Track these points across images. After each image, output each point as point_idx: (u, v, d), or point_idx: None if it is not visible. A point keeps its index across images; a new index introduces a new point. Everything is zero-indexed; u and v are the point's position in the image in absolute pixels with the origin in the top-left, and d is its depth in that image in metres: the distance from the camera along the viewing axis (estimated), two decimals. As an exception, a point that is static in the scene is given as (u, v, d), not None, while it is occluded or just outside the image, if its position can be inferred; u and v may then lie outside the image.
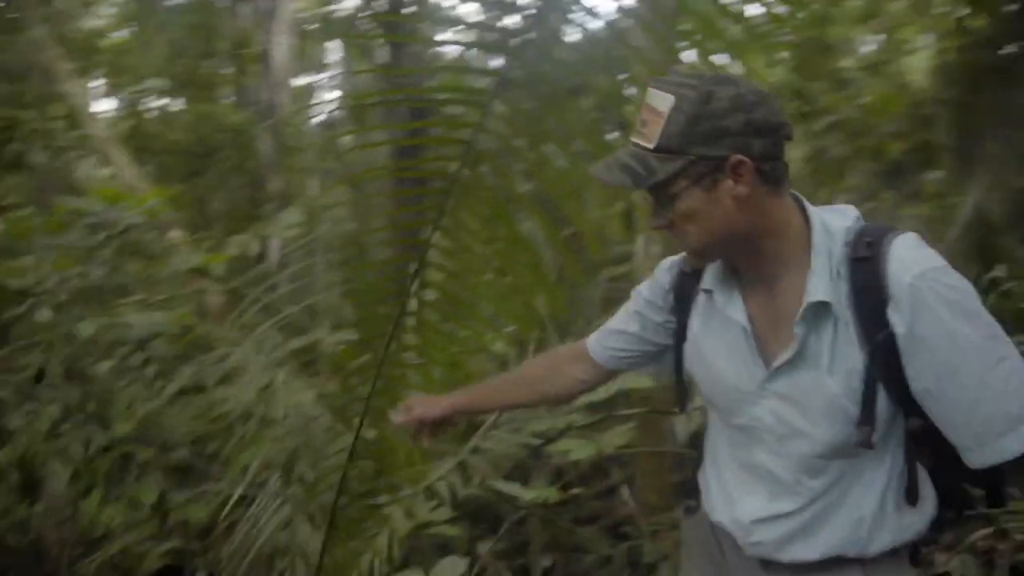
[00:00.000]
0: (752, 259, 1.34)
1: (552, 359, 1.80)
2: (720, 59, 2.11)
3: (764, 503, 1.40)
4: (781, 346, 1.33)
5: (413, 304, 2.25)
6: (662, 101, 1.22)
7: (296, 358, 4.18)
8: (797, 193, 1.35)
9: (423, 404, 1.75)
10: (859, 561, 1.37)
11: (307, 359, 4.33)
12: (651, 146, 1.23)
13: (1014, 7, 7.00)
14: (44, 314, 2.03)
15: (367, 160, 12.19)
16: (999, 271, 4.55)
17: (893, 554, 1.37)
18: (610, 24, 1.99)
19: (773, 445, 1.38)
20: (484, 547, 3.26)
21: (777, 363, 1.33)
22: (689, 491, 1.63)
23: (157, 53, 12.13)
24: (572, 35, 2.16)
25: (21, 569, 3.16)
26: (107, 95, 11.86)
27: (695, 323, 1.48)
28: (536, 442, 2.79)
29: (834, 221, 1.33)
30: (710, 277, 1.43)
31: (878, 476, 1.35)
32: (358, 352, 2.88)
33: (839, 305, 1.27)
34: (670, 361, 1.58)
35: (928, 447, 1.35)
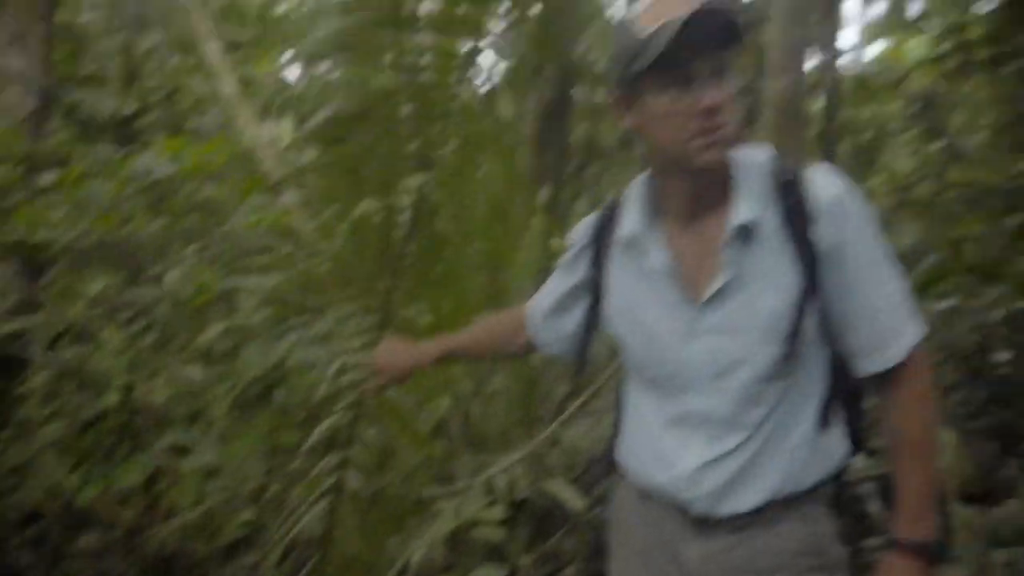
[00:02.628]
0: (704, 182, 1.39)
1: (505, 325, 1.84)
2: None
3: (704, 448, 1.42)
4: (710, 280, 1.38)
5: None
6: None
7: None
8: None
9: (391, 366, 1.85)
10: (794, 509, 1.40)
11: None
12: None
13: None
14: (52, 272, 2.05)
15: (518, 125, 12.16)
16: None
17: (823, 499, 1.45)
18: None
19: (707, 386, 1.41)
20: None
21: (708, 295, 1.38)
22: (608, 467, 1.66)
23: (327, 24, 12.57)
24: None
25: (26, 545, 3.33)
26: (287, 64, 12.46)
27: (614, 277, 1.52)
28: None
29: (755, 152, 1.43)
30: (629, 223, 1.46)
31: (807, 403, 1.42)
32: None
33: (767, 227, 1.36)
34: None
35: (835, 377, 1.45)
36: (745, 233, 1.35)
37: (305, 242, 3.88)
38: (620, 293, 1.51)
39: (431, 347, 1.87)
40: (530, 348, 1.81)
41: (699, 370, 1.40)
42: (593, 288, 1.57)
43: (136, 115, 7.37)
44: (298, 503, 2.48)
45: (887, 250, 1.38)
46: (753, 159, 1.41)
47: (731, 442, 1.40)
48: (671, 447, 1.45)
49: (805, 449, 1.40)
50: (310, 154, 10.55)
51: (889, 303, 1.36)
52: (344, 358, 2.96)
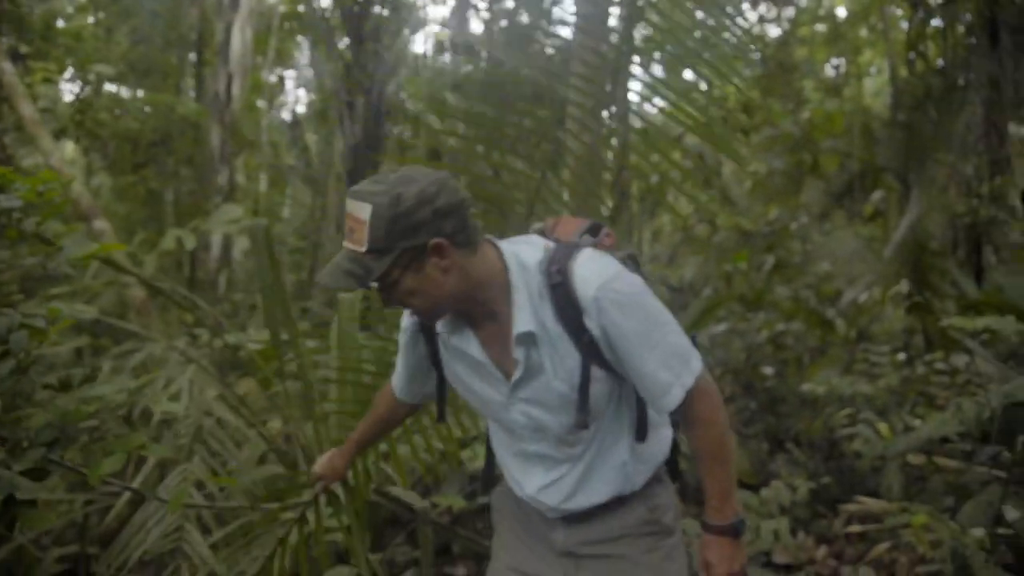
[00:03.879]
0: (471, 307, 1.62)
1: (383, 403, 2.07)
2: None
3: (542, 475, 1.74)
4: (512, 364, 1.63)
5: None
6: (361, 210, 1.46)
7: (216, 358, 4.09)
8: (494, 239, 1.63)
9: (329, 470, 2.12)
10: (633, 497, 1.74)
11: (227, 359, 4.23)
12: (363, 249, 1.46)
13: (971, 40, 7.18)
14: None
15: (325, 158, 12.13)
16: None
17: (658, 479, 1.77)
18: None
19: (531, 436, 1.71)
20: (400, 555, 3.21)
21: (513, 380, 1.64)
22: (488, 476, 1.98)
23: (118, 40, 11.92)
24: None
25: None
26: (69, 80, 11.59)
27: (444, 357, 1.77)
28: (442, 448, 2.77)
29: (528, 255, 1.61)
30: (442, 323, 1.70)
31: (623, 428, 1.71)
32: (275, 353, 2.84)
33: (545, 327, 1.58)
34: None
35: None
36: (528, 338, 1.58)
37: (119, 269, 3.76)
38: (452, 370, 1.77)
39: (348, 449, 2.12)
40: (412, 409, 2.06)
41: (522, 427, 1.71)
42: (434, 361, 1.82)
43: None
44: (134, 530, 2.45)
45: (650, 318, 1.57)
46: (526, 264, 1.60)
47: (560, 471, 1.73)
48: (520, 472, 1.79)
49: (630, 461, 1.72)
50: (105, 179, 9.85)
51: (656, 368, 1.56)
52: (174, 385, 2.95)
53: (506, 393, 1.67)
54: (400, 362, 1.92)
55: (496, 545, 1.96)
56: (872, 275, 6.75)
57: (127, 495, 2.54)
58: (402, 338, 1.87)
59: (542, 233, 1.78)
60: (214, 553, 2.29)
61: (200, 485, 2.55)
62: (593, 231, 1.75)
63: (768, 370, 6.38)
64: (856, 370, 5.86)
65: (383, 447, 2.89)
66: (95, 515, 3.09)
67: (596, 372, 1.60)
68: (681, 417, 1.66)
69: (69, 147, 10.13)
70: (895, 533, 3.07)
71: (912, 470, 3.76)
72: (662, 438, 1.80)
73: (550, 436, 1.69)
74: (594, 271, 1.56)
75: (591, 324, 1.55)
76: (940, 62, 7.80)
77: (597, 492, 1.73)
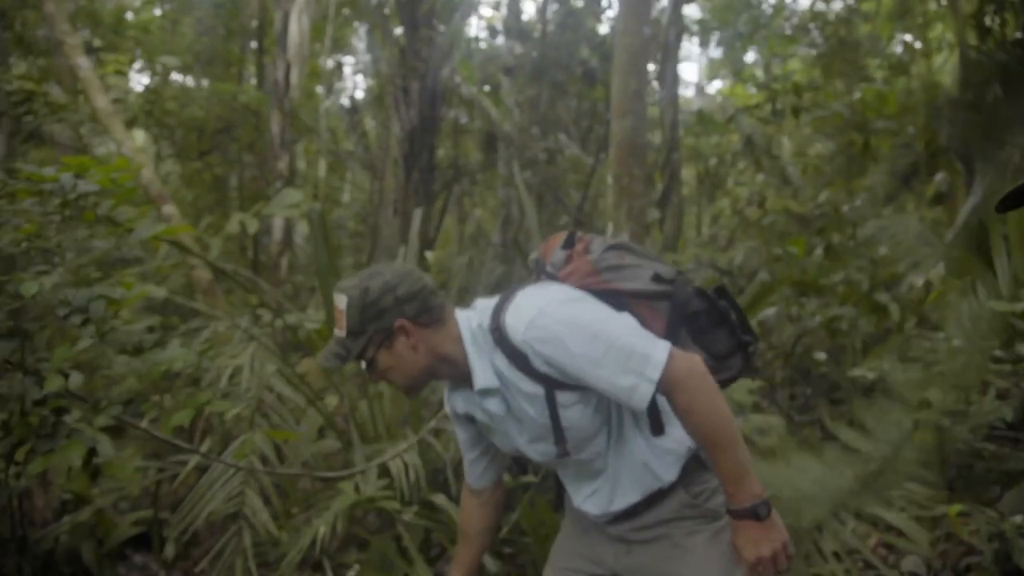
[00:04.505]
0: (448, 375, 1.82)
1: (467, 515, 2.12)
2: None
3: (584, 489, 1.90)
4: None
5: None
6: (340, 301, 1.73)
7: (277, 338, 4.26)
8: (457, 311, 1.82)
9: None
10: (674, 484, 1.81)
11: (289, 340, 4.41)
12: (343, 333, 1.73)
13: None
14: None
15: (383, 143, 12.33)
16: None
17: (699, 465, 1.82)
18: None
19: (552, 464, 1.89)
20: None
21: (505, 428, 1.83)
22: (559, 497, 2.11)
23: (183, 32, 12.35)
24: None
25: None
26: (138, 71, 12.06)
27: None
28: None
29: (478, 319, 1.78)
30: (449, 398, 1.93)
31: (634, 430, 1.80)
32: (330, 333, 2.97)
33: (504, 375, 1.73)
34: None
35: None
36: (489, 391, 1.76)
37: (186, 251, 3.96)
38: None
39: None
40: (495, 504, 2.11)
41: (543, 462, 1.89)
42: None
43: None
44: (200, 495, 2.62)
45: (587, 337, 1.63)
46: (477, 327, 1.77)
47: (595, 484, 1.88)
48: (568, 487, 1.97)
49: (652, 458, 1.81)
50: (174, 166, 10.23)
51: (613, 376, 1.62)
52: (237, 360, 3.12)
53: (517, 441, 1.85)
54: (464, 449, 2.04)
55: (564, 520, 2.10)
56: (934, 260, 6.57)
57: (194, 461, 2.71)
58: (454, 426, 2.02)
59: (536, 262, 1.95)
60: (273, 519, 2.44)
61: (263, 460, 2.71)
62: (568, 243, 1.89)
63: (822, 355, 6.30)
64: (912, 357, 5.75)
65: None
66: (166, 482, 3.31)
67: (565, 398, 1.72)
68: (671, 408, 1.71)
69: (140, 136, 10.55)
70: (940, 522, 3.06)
71: (961, 457, 3.71)
72: (680, 429, 1.82)
73: (568, 462, 1.83)
74: (519, 316, 1.69)
75: (536, 364, 1.68)
76: (1018, 34, 7.50)
77: (630, 494, 1.83)
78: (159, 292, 3.33)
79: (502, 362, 1.73)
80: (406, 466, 2.60)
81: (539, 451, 1.85)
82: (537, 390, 1.71)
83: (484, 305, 1.81)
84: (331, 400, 3.40)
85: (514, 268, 5.11)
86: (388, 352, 1.75)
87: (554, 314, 1.66)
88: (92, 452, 1.95)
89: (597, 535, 1.96)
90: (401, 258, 4.37)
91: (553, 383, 1.69)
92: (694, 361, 1.65)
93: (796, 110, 8.19)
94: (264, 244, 8.69)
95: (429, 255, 6.52)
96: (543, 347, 1.65)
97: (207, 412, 3.17)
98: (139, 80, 12.51)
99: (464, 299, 6.12)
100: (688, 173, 14.16)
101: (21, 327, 2.05)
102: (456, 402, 1.91)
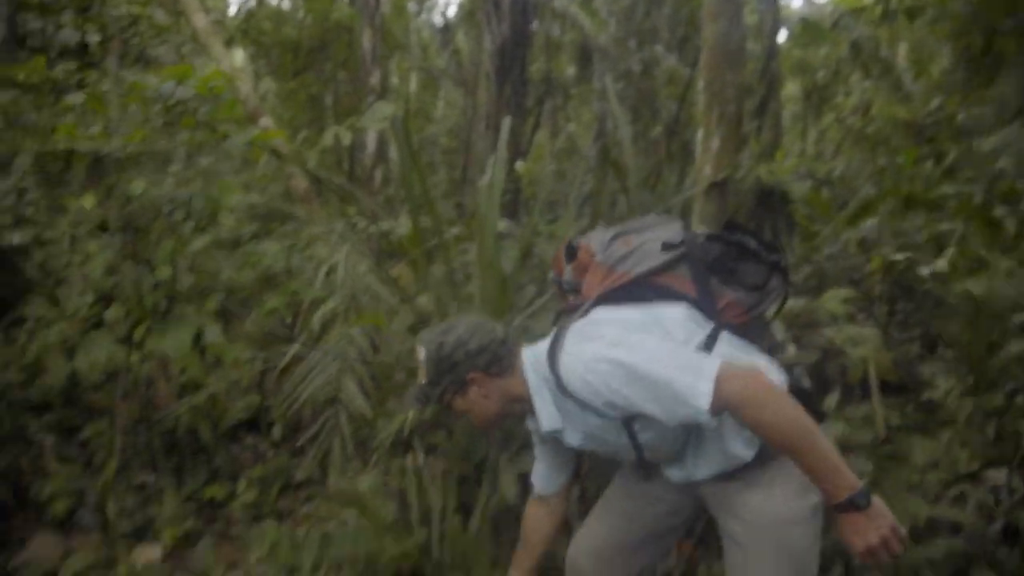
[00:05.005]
0: (521, 411, 1.97)
1: (531, 522, 2.22)
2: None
3: (662, 464, 1.99)
4: None
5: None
6: (420, 353, 1.92)
7: (372, 246, 4.43)
8: (523, 352, 1.93)
9: None
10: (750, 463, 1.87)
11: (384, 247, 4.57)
12: (425, 382, 1.93)
13: None
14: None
15: (475, 59, 12.23)
16: None
17: (762, 448, 1.84)
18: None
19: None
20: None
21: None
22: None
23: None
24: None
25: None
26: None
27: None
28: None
29: (540, 356, 1.86)
30: (530, 421, 2.04)
31: (711, 429, 1.79)
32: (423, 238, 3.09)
33: (575, 413, 1.83)
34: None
35: None
36: (555, 432, 1.91)
37: (283, 159, 4.11)
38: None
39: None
40: (557, 511, 2.21)
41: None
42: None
43: (86, 44, 7.35)
44: (300, 381, 2.82)
45: (637, 376, 1.68)
46: (541, 373, 1.86)
47: (671, 462, 1.97)
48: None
49: (732, 444, 1.85)
50: (271, 85, 10.49)
51: (669, 411, 1.68)
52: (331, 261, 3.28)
53: None
54: (538, 457, 2.16)
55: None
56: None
57: (294, 350, 2.89)
58: (537, 441, 2.14)
59: (554, 279, 2.14)
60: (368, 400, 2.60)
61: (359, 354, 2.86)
62: (569, 255, 2.05)
63: (926, 271, 6.02)
64: (1027, 273, 5.41)
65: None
66: (271, 373, 3.57)
67: (641, 424, 1.80)
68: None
69: (238, 56, 10.85)
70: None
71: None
72: None
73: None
74: (571, 372, 1.76)
75: (602, 410, 1.76)
76: None
77: (707, 471, 1.92)
78: (258, 199, 3.51)
79: (572, 406, 1.82)
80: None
81: (621, 455, 1.97)
82: (613, 423, 1.81)
83: (543, 347, 1.88)
84: (423, 300, 3.53)
85: (605, 182, 5.07)
86: (463, 398, 1.93)
87: (600, 367, 1.72)
88: (200, 337, 2.14)
89: (660, 479, 2.04)
90: (490, 168, 4.41)
91: (625, 416, 1.77)
92: (749, 376, 1.65)
93: (911, 11, 7.54)
94: (359, 158, 8.90)
95: (519, 166, 6.51)
96: (598, 399, 1.73)
97: (305, 308, 3.38)
98: (236, 0, 12.78)
99: (553, 211, 6.12)
100: (794, 88, 13.43)
101: (132, 224, 2.24)
102: (537, 430, 2.02)
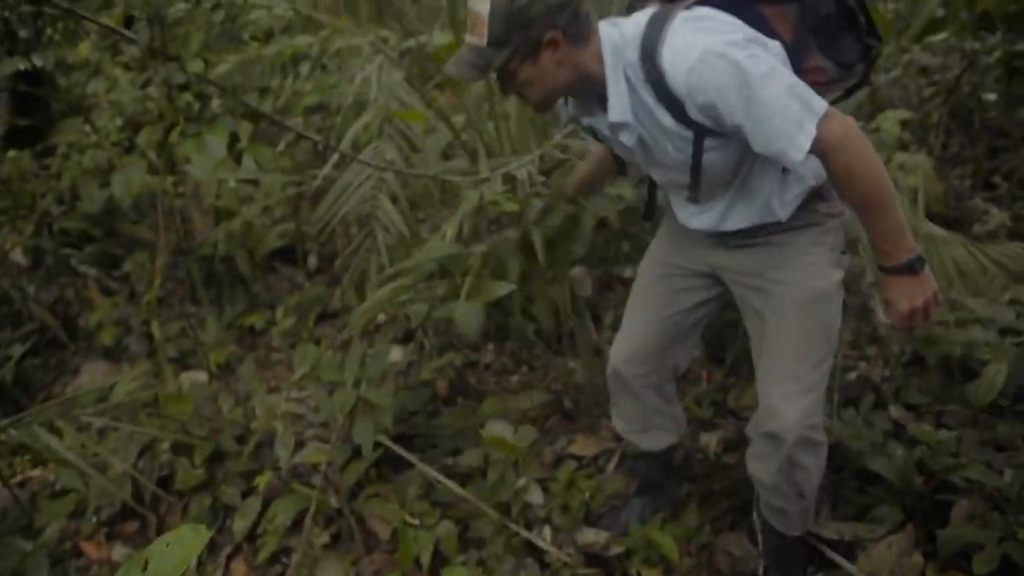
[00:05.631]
0: (584, 94, 1.78)
1: (595, 158, 2.31)
2: None
3: (692, 209, 1.94)
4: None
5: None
6: (482, 6, 1.62)
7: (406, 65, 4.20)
8: (601, 26, 1.70)
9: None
10: (786, 225, 1.85)
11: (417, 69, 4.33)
12: (483, 43, 1.63)
13: None
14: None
15: None
16: None
17: (803, 206, 1.84)
18: None
19: (672, 189, 1.96)
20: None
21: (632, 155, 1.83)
22: (649, 208, 2.19)
23: None
24: None
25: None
26: None
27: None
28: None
29: (625, 45, 1.66)
30: (573, 106, 1.89)
31: (761, 176, 1.78)
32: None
33: (649, 111, 1.67)
34: None
35: None
36: (622, 126, 1.71)
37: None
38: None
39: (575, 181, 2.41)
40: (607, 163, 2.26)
41: (662, 183, 1.94)
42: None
43: None
44: (334, 200, 2.73)
45: (750, 82, 1.51)
46: (625, 56, 1.66)
47: (705, 206, 1.89)
48: (674, 205, 2.01)
49: (774, 198, 1.80)
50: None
51: (767, 138, 1.55)
52: (363, 73, 3.09)
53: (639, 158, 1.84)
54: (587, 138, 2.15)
55: (661, 224, 2.20)
56: None
57: (333, 160, 2.76)
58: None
59: None
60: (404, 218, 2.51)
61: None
62: None
63: (991, 97, 5.62)
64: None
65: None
66: (305, 199, 3.49)
67: (710, 143, 1.67)
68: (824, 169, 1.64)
69: None
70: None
71: None
72: (813, 167, 1.73)
73: (683, 192, 1.83)
74: (678, 59, 1.57)
75: (692, 112, 1.60)
76: None
77: (741, 220, 1.86)
78: (283, 8, 3.27)
79: (650, 100, 1.65)
80: (530, 175, 2.58)
81: (663, 176, 1.87)
82: (685, 133, 1.66)
83: (630, 29, 1.67)
84: (458, 119, 3.37)
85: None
86: (531, 66, 1.68)
87: (717, 62, 1.53)
88: (235, 139, 2.03)
89: (696, 238, 2.02)
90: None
91: (702, 130, 1.64)
92: (849, 122, 1.56)
93: None
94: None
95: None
96: (703, 97, 1.56)
97: (337, 126, 3.23)
98: None
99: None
100: None
101: (159, 15, 2.07)
102: (580, 114, 1.88)
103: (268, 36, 2.10)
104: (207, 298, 3.83)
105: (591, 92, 1.76)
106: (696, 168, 1.71)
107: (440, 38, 3.71)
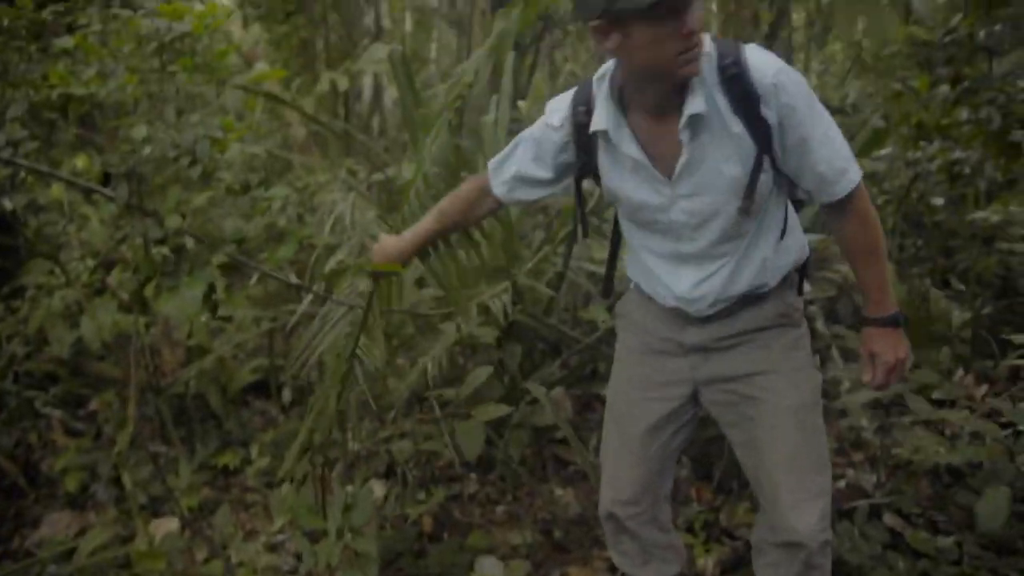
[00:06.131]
0: (659, 86, 1.68)
1: (465, 197, 2.09)
2: None
3: (695, 273, 1.86)
4: (675, 157, 1.72)
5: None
6: None
7: (375, 195, 4.29)
8: None
9: (389, 248, 2.13)
10: (769, 294, 1.87)
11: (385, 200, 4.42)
12: None
13: None
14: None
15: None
16: None
17: (789, 283, 1.91)
18: None
19: (690, 235, 1.82)
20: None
21: (676, 170, 1.73)
22: (609, 284, 2.15)
23: None
24: None
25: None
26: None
27: (602, 161, 1.84)
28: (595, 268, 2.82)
29: (712, 51, 1.67)
30: (600, 120, 1.76)
31: (771, 225, 1.83)
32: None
33: (720, 112, 1.67)
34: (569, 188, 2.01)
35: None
36: (697, 120, 1.67)
37: (282, 103, 3.93)
38: (606, 174, 1.85)
39: (408, 242, 2.12)
40: (493, 211, 2.11)
41: (682, 226, 1.81)
42: (583, 171, 1.92)
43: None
44: (311, 337, 2.71)
45: (820, 108, 1.68)
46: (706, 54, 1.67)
47: (713, 267, 1.84)
48: (670, 276, 1.90)
49: (771, 257, 1.85)
50: (262, 32, 10.16)
51: (831, 154, 1.69)
52: (338, 209, 3.14)
53: (668, 194, 1.78)
54: (520, 160, 1.94)
55: (619, 350, 2.13)
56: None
57: (306, 302, 2.76)
58: (544, 139, 1.91)
59: None
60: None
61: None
62: None
63: (938, 202, 5.88)
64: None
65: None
66: (279, 333, 3.47)
67: (767, 164, 1.71)
68: (840, 213, 1.76)
69: None
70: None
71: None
72: (798, 241, 1.93)
73: (712, 229, 1.79)
74: (768, 60, 1.66)
75: (768, 112, 1.64)
76: None
77: (742, 284, 1.85)
78: (257, 148, 3.35)
79: (722, 101, 1.68)
80: (504, 306, 2.61)
81: (701, 210, 1.77)
82: (747, 141, 1.68)
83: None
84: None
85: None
86: (650, 29, 1.56)
87: (797, 76, 1.67)
88: (211, 290, 2.03)
89: (668, 353, 1.98)
90: (494, 107, 4.23)
91: (766, 142, 1.68)
92: None
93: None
94: (355, 109, 8.66)
95: (521, 104, 6.34)
96: (787, 95, 1.64)
97: (311, 265, 3.25)
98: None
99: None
100: (798, 18, 13.06)
101: (136, 170, 2.10)
102: (607, 131, 1.76)
103: (245, 188, 2.16)
104: (177, 437, 3.71)
105: (667, 85, 1.67)
106: (753, 184, 1.71)
107: (407, 171, 3.81)
